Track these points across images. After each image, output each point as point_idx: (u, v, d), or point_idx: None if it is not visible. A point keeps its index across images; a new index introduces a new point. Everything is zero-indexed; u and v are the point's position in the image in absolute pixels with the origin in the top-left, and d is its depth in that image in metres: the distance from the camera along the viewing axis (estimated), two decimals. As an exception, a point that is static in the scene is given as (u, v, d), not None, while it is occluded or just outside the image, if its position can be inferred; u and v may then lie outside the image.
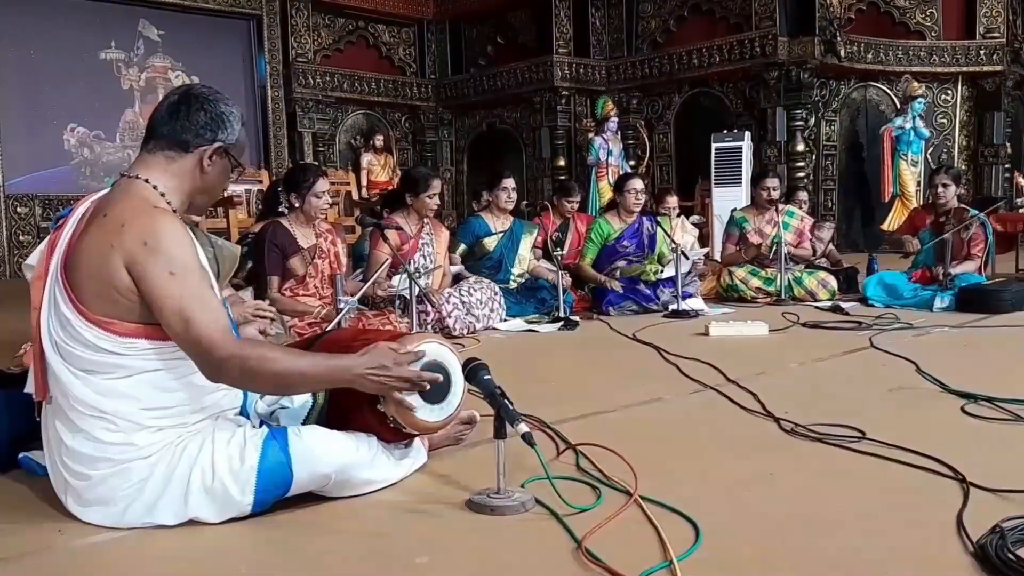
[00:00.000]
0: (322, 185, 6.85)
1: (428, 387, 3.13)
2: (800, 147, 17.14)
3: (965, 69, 17.71)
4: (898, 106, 17.14)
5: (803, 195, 11.64)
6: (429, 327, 7.30)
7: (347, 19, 21.06)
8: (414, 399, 3.12)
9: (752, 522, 2.91)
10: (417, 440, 3.46)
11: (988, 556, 2.48)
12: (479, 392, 3.19)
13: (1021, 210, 14.58)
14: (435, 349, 3.25)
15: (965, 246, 8.97)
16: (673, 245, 8.98)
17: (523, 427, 2.98)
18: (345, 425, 3.23)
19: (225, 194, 9.62)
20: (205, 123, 3.07)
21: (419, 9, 21.89)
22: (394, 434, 3.25)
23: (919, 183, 16.56)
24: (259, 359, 2.87)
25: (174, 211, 3.01)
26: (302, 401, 3.33)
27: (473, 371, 3.18)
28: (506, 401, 3.06)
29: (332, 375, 3.03)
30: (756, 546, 2.71)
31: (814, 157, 17.62)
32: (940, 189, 9.05)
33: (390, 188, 16.11)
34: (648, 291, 9.00)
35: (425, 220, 7.93)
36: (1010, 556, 2.45)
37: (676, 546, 2.62)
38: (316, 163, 17.57)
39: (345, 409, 3.26)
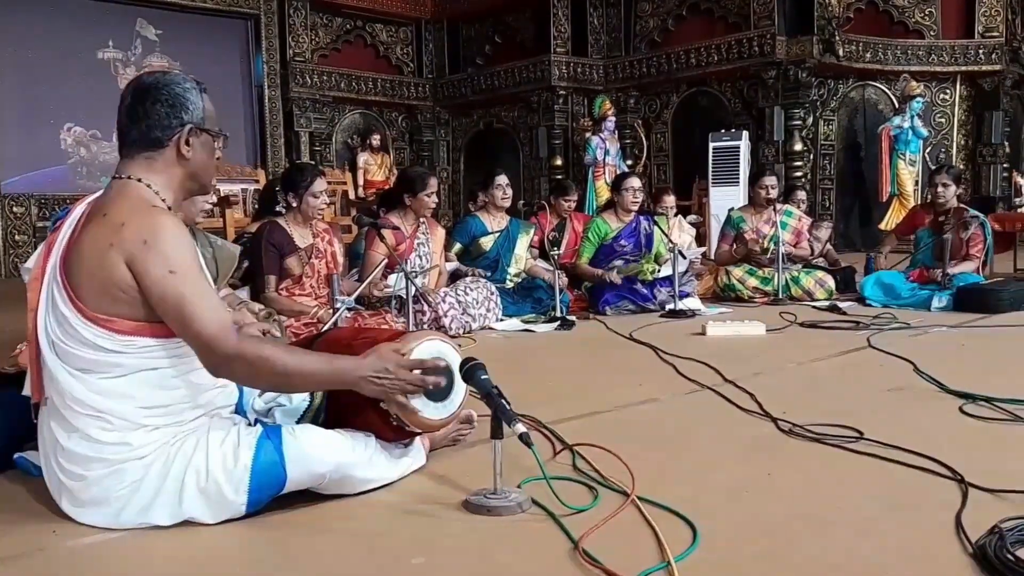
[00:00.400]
0: (319, 185, 6.84)
1: (431, 388, 3.12)
2: (798, 146, 17.13)
3: (964, 68, 17.69)
4: (896, 105, 17.13)
5: (801, 194, 11.62)
6: (425, 327, 7.28)
7: (345, 18, 21.05)
8: (417, 398, 3.12)
9: (750, 523, 2.90)
10: (418, 440, 3.46)
11: (987, 557, 2.48)
12: (476, 392, 3.17)
13: (1020, 209, 14.60)
14: (437, 347, 3.25)
15: (964, 246, 8.96)
16: (670, 245, 8.98)
17: (520, 427, 2.97)
18: (345, 423, 3.22)
19: (222, 193, 9.63)
20: (166, 112, 3.03)
21: (417, 8, 21.88)
22: (397, 432, 3.24)
23: (917, 182, 16.57)
24: (260, 356, 2.86)
25: (169, 207, 3.01)
26: (300, 398, 3.32)
27: (470, 371, 3.17)
28: (503, 401, 3.05)
29: (334, 377, 3.02)
30: (754, 547, 2.70)
31: (812, 156, 17.61)
32: (940, 189, 9.05)
33: (386, 188, 16.13)
34: (645, 291, 8.98)
35: (421, 220, 7.93)
36: (1009, 557, 2.45)
37: (674, 547, 2.61)
38: (313, 163, 17.56)
39: (345, 407, 3.25)
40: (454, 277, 8.38)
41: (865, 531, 2.80)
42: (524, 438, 2.94)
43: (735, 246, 9.91)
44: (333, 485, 3.11)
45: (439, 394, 3.19)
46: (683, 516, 2.88)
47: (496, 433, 3.01)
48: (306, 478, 3.03)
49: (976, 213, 9.15)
